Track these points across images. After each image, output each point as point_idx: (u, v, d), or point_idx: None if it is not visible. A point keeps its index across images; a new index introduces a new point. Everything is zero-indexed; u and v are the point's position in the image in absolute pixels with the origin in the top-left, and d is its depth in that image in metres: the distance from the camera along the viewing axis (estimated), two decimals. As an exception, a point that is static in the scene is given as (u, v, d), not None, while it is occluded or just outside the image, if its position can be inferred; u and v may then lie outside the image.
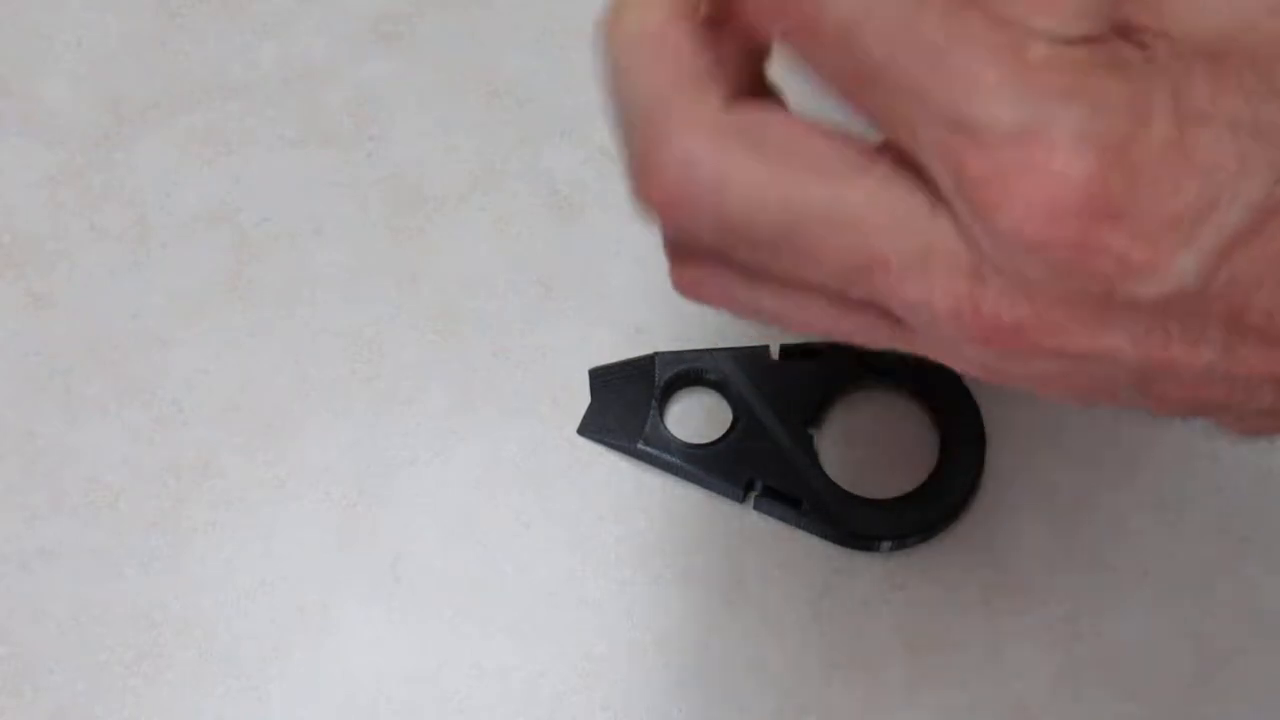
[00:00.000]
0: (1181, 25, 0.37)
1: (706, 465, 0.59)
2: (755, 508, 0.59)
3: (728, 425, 0.60)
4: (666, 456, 0.59)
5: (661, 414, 0.60)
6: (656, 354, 0.60)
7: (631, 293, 0.62)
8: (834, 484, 0.58)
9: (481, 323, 0.61)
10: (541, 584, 0.58)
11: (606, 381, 0.60)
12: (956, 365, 0.40)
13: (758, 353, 0.60)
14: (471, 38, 0.65)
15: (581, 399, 0.60)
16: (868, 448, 0.60)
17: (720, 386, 0.60)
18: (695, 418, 0.60)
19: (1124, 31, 0.38)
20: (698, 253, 0.41)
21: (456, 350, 0.61)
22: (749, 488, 0.59)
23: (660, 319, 0.61)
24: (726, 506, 0.59)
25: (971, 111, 0.36)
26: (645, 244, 0.62)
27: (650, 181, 0.39)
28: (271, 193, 0.63)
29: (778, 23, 0.39)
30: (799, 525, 0.59)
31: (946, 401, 0.59)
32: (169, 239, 0.62)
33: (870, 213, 0.38)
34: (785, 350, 0.60)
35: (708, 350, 0.60)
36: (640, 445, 0.59)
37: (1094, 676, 0.57)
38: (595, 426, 0.60)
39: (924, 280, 0.38)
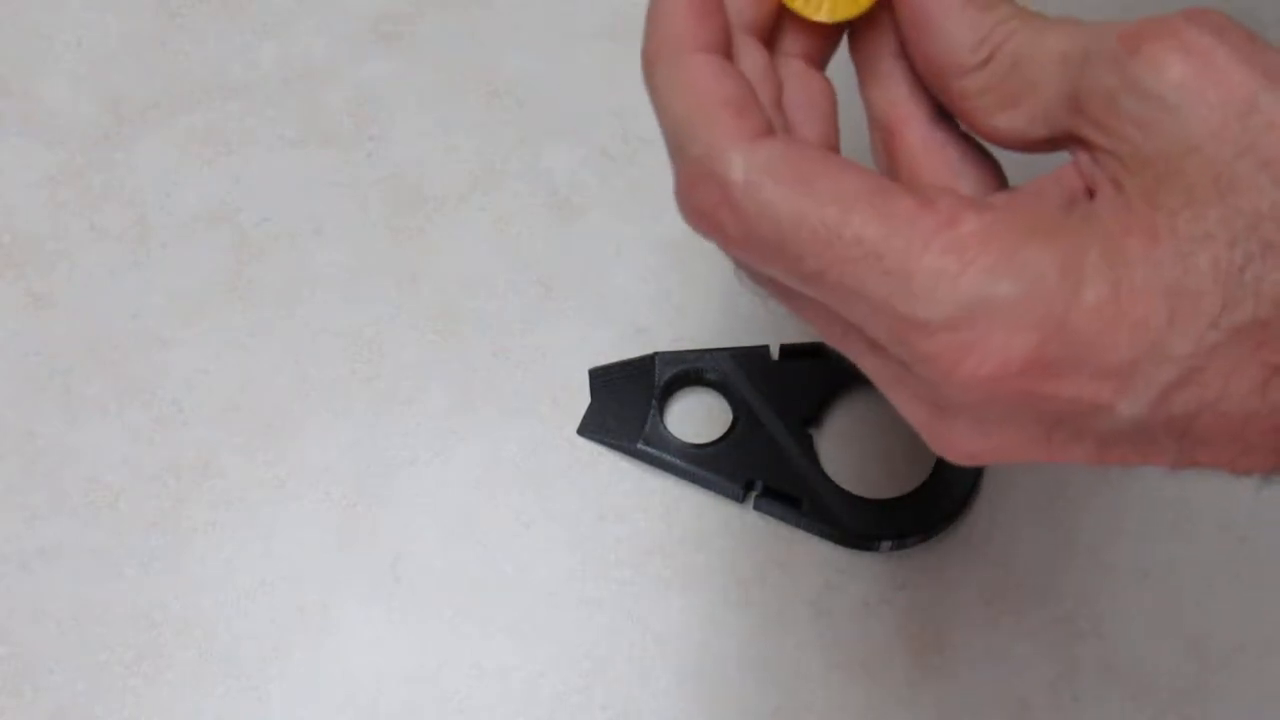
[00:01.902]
0: (1129, 146, 0.39)
1: (706, 465, 0.59)
2: (755, 508, 0.59)
3: (728, 425, 0.60)
4: (666, 456, 0.59)
5: (661, 414, 0.60)
6: (656, 354, 0.60)
7: (631, 293, 0.62)
8: (834, 484, 0.58)
9: (481, 323, 0.61)
10: (541, 584, 0.58)
11: (606, 381, 0.60)
12: None
13: (758, 353, 0.60)
14: (471, 38, 0.65)
15: (581, 399, 0.60)
16: (868, 448, 0.60)
17: (720, 386, 0.60)
18: (695, 418, 0.60)
19: (1083, 145, 0.40)
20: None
21: (456, 350, 0.61)
22: (749, 488, 0.59)
23: (660, 319, 0.61)
24: (726, 506, 0.59)
25: (912, 309, 0.38)
26: (645, 244, 0.63)
27: (684, 202, 0.41)
28: (271, 193, 0.63)
29: (712, 238, 0.40)
30: (799, 525, 0.59)
31: None
32: (169, 239, 0.62)
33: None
34: (785, 350, 0.60)
35: (708, 350, 0.60)
36: (640, 445, 0.59)
37: (1094, 676, 0.57)
38: (595, 426, 0.60)
39: (894, 393, 0.41)
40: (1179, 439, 0.39)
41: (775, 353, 0.60)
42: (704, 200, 0.40)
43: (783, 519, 0.59)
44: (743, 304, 0.62)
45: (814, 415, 0.59)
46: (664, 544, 0.59)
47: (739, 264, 0.42)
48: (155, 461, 0.59)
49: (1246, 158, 0.38)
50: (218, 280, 0.62)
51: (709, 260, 0.62)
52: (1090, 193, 0.40)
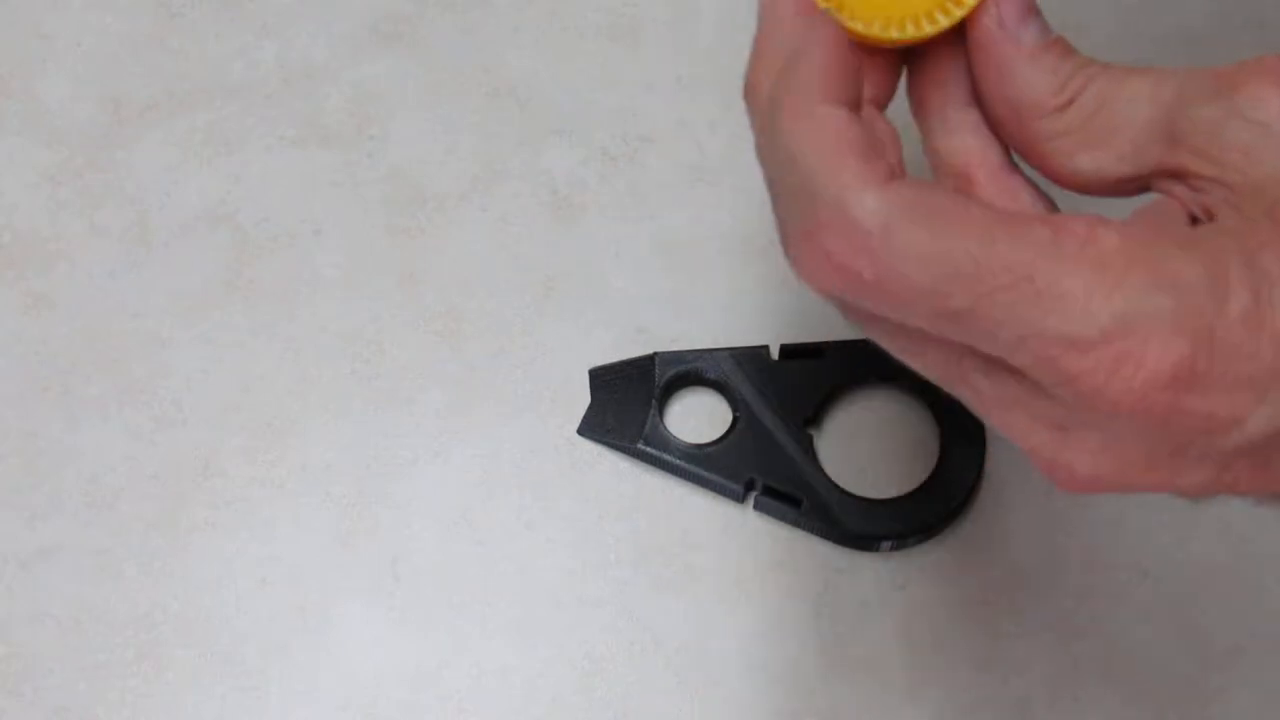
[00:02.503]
0: (1237, 174, 0.40)
1: (706, 465, 0.59)
2: (755, 508, 0.59)
3: (728, 425, 0.60)
4: (666, 456, 0.59)
5: (661, 414, 0.60)
6: (656, 354, 0.60)
7: (631, 293, 0.62)
8: (834, 484, 0.58)
9: (481, 323, 0.61)
10: (541, 584, 0.58)
11: (607, 381, 0.60)
12: None
13: (758, 353, 0.60)
14: (471, 38, 0.65)
15: (581, 399, 0.60)
16: (868, 448, 0.60)
17: (720, 386, 0.60)
18: (695, 418, 0.60)
19: (1179, 177, 0.41)
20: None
21: (456, 350, 0.61)
22: (749, 487, 0.59)
23: (660, 319, 0.61)
24: (726, 506, 0.59)
25: (1069, 327, 0.38)
26: (645, 244, 0.63)
27: (812, 253, 0.40)
28: (271, 193, 0.63)
29: (841, 287, 0.40)
30: (799, 525, 0.59)
31: (946, 401, 0.59)
32: (169, 239, 0.62)
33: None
34: (785, 350, 0.60)
35: (708, 350, 0.60)
36: (640, 445, 0.59)
37: (1094, 676, 0.57)
38: (595, 426, 0.60)
39: (1011, 417, 0.41)
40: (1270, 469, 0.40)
41: (775, 353, 0.60)
42: (838, 248, 0.40)
43: (783, 519, 0.59)
44: (743, 304, 0.62)
45: (814, 415, 0.59)
46: (664, 544, 0.59)
47: (851, 310, 0.42)
48: (155, 461, 0.59)
49: None
50: (218, 280, 0.62)
51: (709, 260, 0.62)
52: (1198, 218, 0.41)
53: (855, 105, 0.42)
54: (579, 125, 0.64)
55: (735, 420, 0.59)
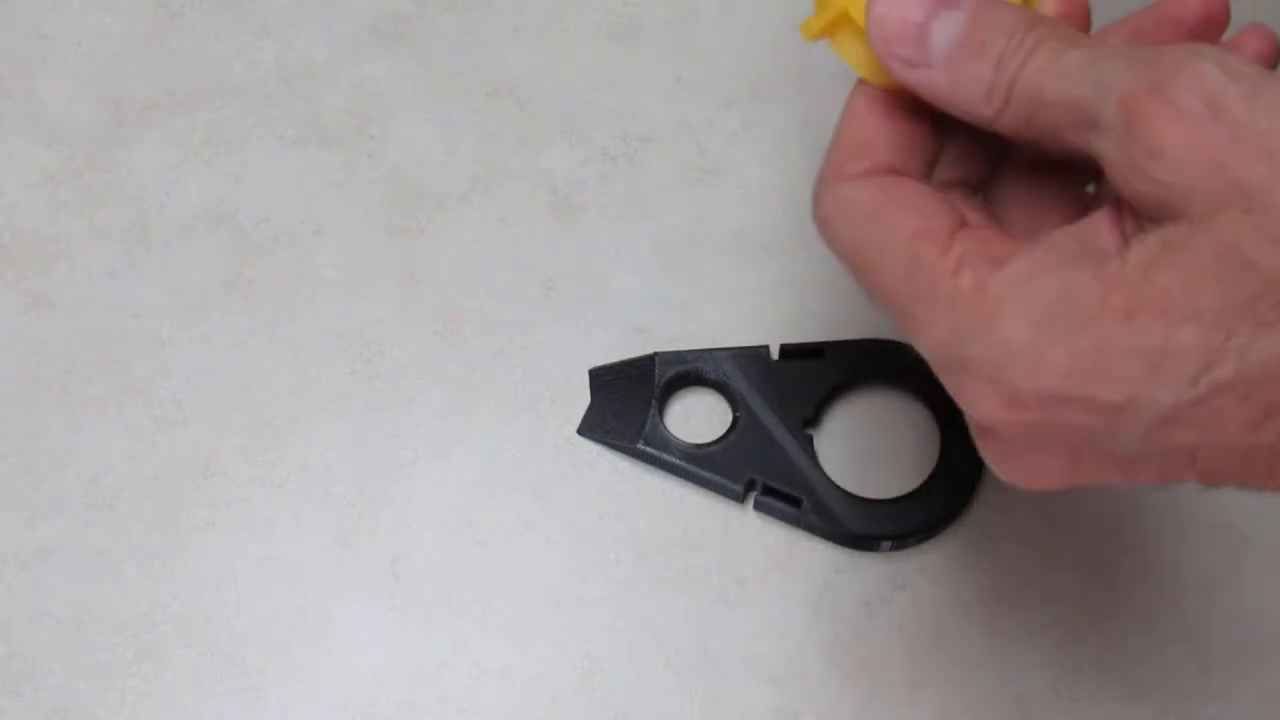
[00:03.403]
0: (1147, 211, 0.41)
1: (706, 465, 0.59)
2: (755, 508, 0.59)
3: (728, 425, 0.60)
4: (666, 456, 0.59)
5: (661, 414, 0.60)
6: (656, 354, 0.60)
7: (631, 293, 0.62)
8: (834, 484, 0.58)
9: (481, 323, 0.61)
10: (541, 584, 0.58)
11: (607, 381, 0.60)
12: None
13: (758, 353, 0.60)
14: (471, 38, 0.65)
15: (581, 399, 0.60)
16: (868, 448, 0.60)
17: (720, 386, 0.60)
18: (695, 418, 0.60)
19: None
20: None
21: (456, 350, 0.61)
22: (749, 487, 0.59)
23: (660, 319, 0.61)
24: (726, 506, 0.59)
25: (924, 349, 0.44)
26: (645, 244, 0.63)
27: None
28: (271, 193, 0.63)
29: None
30: (799, 525, 0.59)
31: (946, 401, 0.59)
32: (169, 239, 0.62)
33: None
34: (785, 350, 0.60)
35: (708, 350, 0.60)
36: (640, 445, 0.59)
37: (1094, 676, 0.57)
38: (595, 426, 0.60)
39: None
40: (1189, 465, 0.41)
41: (775, 353, 0.60)
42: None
43: (783, 519, 0.59)
44: (743, 304, 0.62)
45: (814, 415, 0.59)
46: (664, 544, 0.59)
47: None
48: (155, 461, 0.59)
49: (1253, 236, 0.39)
50: (218, 280, 0.62)
51: (709, 260, 0.62)
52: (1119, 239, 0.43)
53: (891, 170, 0.45)
54: (579, 125, 0.64)
55: (735, 420, 0.60)
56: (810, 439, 0.59)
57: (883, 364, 0.60)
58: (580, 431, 0.60)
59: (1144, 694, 0.57)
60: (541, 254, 0.62)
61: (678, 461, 0.59)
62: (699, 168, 0.64)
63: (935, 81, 0.43)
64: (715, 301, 0.62)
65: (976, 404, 0.42)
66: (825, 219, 0.45)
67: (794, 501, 0.58)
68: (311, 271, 0.62)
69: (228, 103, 0.64)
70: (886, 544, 0.58)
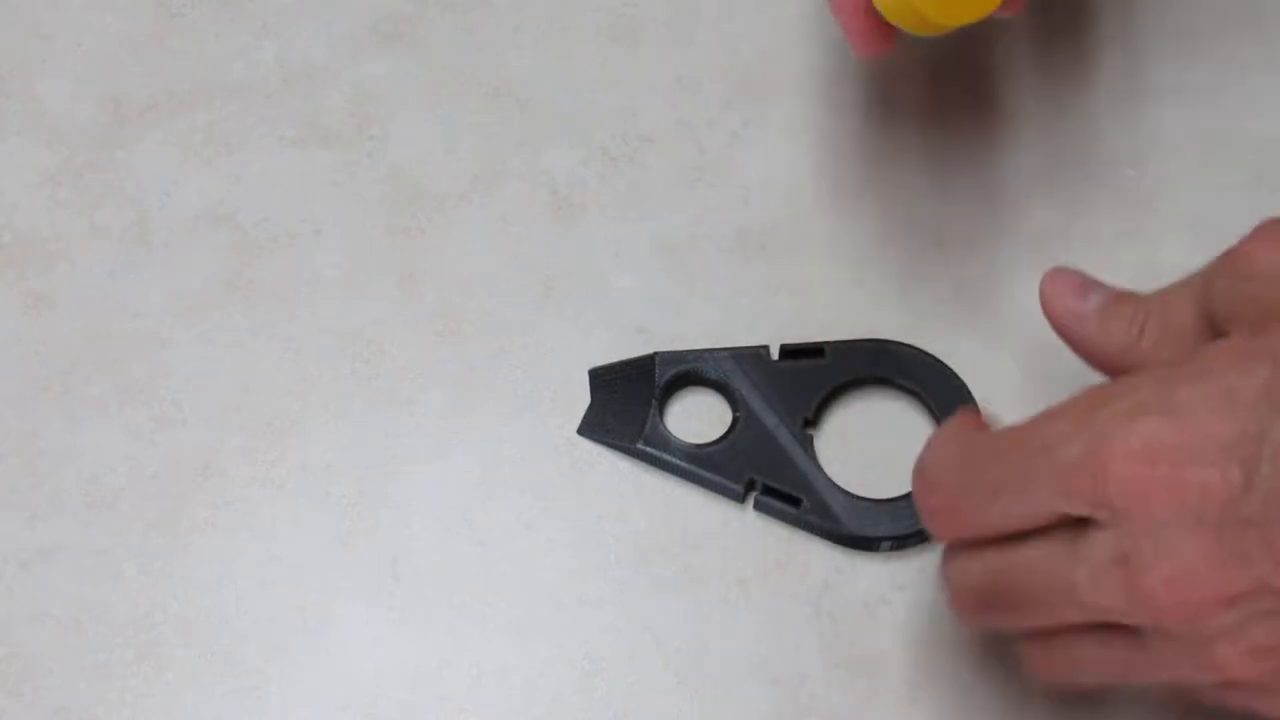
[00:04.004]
0: (1246, 327, 0.48)
1: (706, 465, 0.59)
2: (755, 507, 0.59)
3: (728, 425, 0.60)
4: (666, 456, 0.59)
5: (661, 414, 0.60)
6: (656, 354, 0.60)
7: (631, 293, 0.62)
8: (834, 484, 0.58)
9: (481, 323, 0.61)
10: (541, 584, 0.58)
11: (607, 381, 0.60)
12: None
13: (758, 353, 0.60)
14: (471, 38, 0.65)
15: (581, 399, 0.60)
16: (868, 448, 0.60)
17: (720, 386, 0.60)
18: (695, 418, 0.60)
19: None
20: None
21: (456, 350, 0.61)
22: (749, 487, 0.59)
23: (660, 319, 0.61)
24: (726, 506, 0.59)
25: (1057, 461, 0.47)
26: (645, 244, 0.63)
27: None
28: (271, 193, 0.63)
29: None
30: (799, 525, 0.58)
31: (946, 401, 0.59)
32: (169, 239, 0.62)
33: None
34: (785, 350, 0.60)
35: (708, 350, 0.60)
36: (640, 445, 0.59)
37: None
38: (595, 426, 0.60)
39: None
40: None
41: (775, 353, 0.60)
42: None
43: (783, 519, 0.59)
44: (743, 304, 0.62)
45: (814, 415, 0.59)
46: (664, 544, 0.59)
47: None
48: (155, 461, 0.59)
49: None
50: (218, 280, 0.62)
51: (709, 260, 0.62)
52: None
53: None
54: (579, 125, 0.64)
55: (735, 420, 0.59)
56: (810, 439, 0.59)
57: (883, 364, 0.60)
58: (580, 431, 0.60)
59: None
60: (541, 254, 0.62)
61: (678, 461, 0.59)
62: (699, 168, 0.64)
63: (1090, 330, 0.52)
64: (715, 301, 0.62)
65: (1108, 459, 0.46)
66: None
67: (794, 501, 0.58)
68: (311, 271, 0.62)
69: (228, 103, 0.64)
70: (886, 544, 0.58)
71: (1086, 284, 0.52)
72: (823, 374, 0.60)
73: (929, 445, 0.51)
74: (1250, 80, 0.65)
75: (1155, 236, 0.62)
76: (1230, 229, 0.52)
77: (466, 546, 0.58)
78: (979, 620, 0.51)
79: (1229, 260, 0.49)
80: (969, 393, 0.59)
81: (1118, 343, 0.51)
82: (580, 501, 0.59)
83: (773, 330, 0.61)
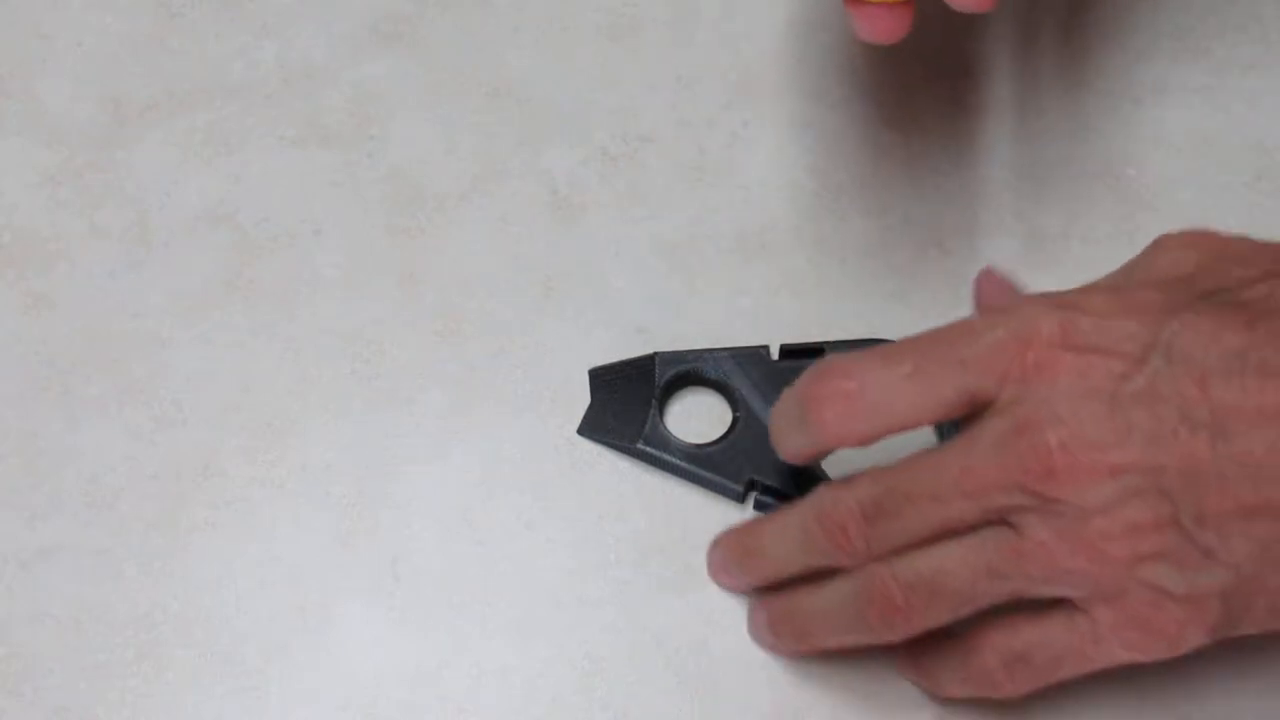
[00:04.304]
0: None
1: (706, 465, 0.59)
2: (755, 507, 0.59)
3: (728, 425, 0.60)
4: (666, 456, 0.59)
5: (661, 414, 0.60)
6: (656, 354, 0.60)
7: (631, 293, 0.62)
8: (827, 476, 0.58)
9: (481, 323, 0.61)
10: (541, 584, 0.58)
11: (607, 381, 0.60)
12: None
13: (758, 353, 0.60)
14: (471, 38, 0.65)
15: (581, 399, 0.60)
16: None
17: (720, 386, 0.60)
18: (695, 418, 0.60)
19: None
20: None
21: (456, 350, 0.61)
22: (749, 487, 0.59)
23: (660, 319, 0.61)
24: (726, 506, 0.59)
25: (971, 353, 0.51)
26: (645, 244, 0.63)
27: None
28: (271, 193, 0.63)
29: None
30: None
31: None
32: (169, 239, 0.62)
33: None
34: (785, 350, 0.60)
35: (708, 350, 0.60)
36: (640, 445, 0.59)
37: (1094, 676, 0.57)
38: (595, 426, 0.60)
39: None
40: None
41: (775, 353, 0.60)
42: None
43: None
44: (743, 304, 0.62)
45: None
46: (664, 544, 0.59)
47: None
48: (155, 461, 0.59)
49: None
50: (218, 280, 0.62)
51: (709, 260, 0.62)
52: None
53: None
54: (579, 125, 0.64)
55: (735, 420, 0.59)
56: None
57: None
58: (581, 432, 0.60)
59: (1144, 693, 0.57)
60: (541, 254, 0.62)
61: (678, 461, 0.59)
62: (699, 168, 0.64)
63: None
64: (715, 301, 0.62)
65: (1027, 344, 0.51)
66: None
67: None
68: (311, 271, 0.62)
69: (228, 103, 0.64)
70: None
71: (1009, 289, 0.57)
72: None
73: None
74: (1250, 80, 0.65)
75: (1155, 236, 0.62)
76: (1230, 229, 0.52)
77: (466, 546, 0.58)
78: (846, 542, 0.52)
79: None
80: None
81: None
82: (580, 501, 0.59)
83: (773, 330, 0.61)
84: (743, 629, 0.58)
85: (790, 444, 0.53)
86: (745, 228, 0.63)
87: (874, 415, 0.51)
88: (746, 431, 0.59)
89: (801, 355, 0.60)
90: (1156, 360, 0.48)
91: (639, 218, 0.63)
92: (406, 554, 0.58)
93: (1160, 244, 0.52)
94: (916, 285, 0.62)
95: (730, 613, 0.58)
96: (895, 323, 0.61)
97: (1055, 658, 0.51)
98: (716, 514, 0.59)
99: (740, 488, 0.59)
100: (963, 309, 0.61)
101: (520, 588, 0.58)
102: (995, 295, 0.57)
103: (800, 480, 0.58)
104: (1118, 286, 0.50)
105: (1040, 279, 0.60)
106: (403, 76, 0.64)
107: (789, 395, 0.52)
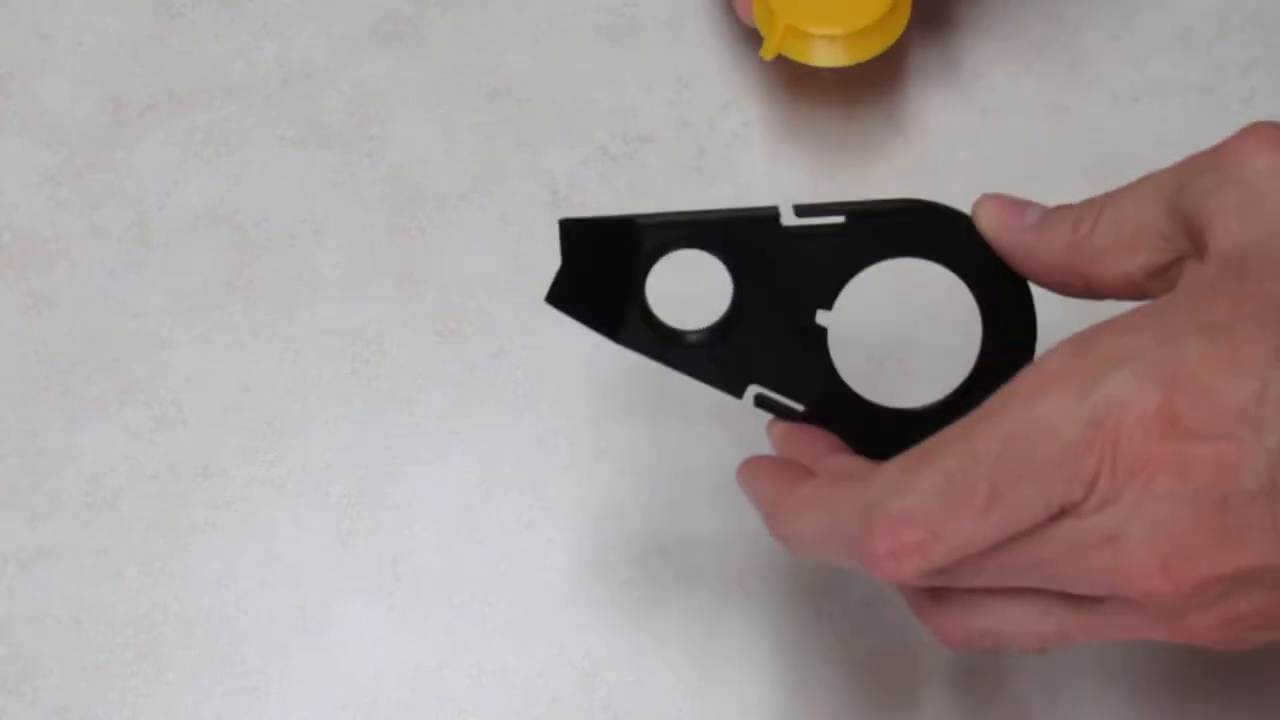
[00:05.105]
0: (1226, 240, 0.44)
1: (697, 360, 0.51)
2: (757, 404, 0.51)
3: (725, 309, 0.51)
4: (648, 342, 0.51)
5: (642, 289, 0.51)
6: (638, 217, 0.50)
7: (631, 293, 0.62)
8: (847, 388, 0.51)
9: (481, 323, 0.61)
10: (541, 584, 0.58)
11: (581, 240, 0.50)
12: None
13: (766, 217, 0.50)
14: (471, 38, 0.65)
15: (582, 399, 0.60)
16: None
17: (719, 255, 0.51)
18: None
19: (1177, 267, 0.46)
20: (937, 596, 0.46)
21: (456, 350, 0.61)
22: (746, 384, 0.51)
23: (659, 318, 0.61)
24: (726, 506, 0.59)
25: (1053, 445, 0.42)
26: (645, 244, 0.62)
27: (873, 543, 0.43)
28: (271, 193, 0.63)
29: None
30: None
31: (987, 278, 0.51)
32: (169, 239, 0.62)
33: None
34: (801, 210, 0.50)
35: (705, 212, 0.51)
36: (620, 329, 0.51)
37: (1094, 676, 0.57)
38: (567, 295, 0.50)
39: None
40: None
41: (787, 216, 0.50)
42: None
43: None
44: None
45: (828, 297, 0.50)
46: (664, 544, 0.59)
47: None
48: (155, 461, 0.59)
49: None
50: (218, 280, 0.62)
51: (709, 259, 0.62)
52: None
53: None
54: (579, 125, 0.64)
55: (735, 303, 0.51)
56: (824, 333, 0.50)
57: (924, 236, 0.50)
58: (549, 299, 0.51)
59: (1144, 694, 0.57)
60: (541, 254, 0.62)
61: (663, 351, 0.50)
62: (699, 168, 0.64)
63: (1028, 238, 0.49)
64: (715, 301, 0.61)
65: (1127, 437, 0.42)
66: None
67: (794, 415, 0.51)
68: (311, 271, 0.62)
69: (228, 103, 0.64)
70: None
71: (1023, 203, 0.49)
72: (847, 250, 0.50)
73: (884, 473, 0.44)
74: (1250, 80, 0.65)
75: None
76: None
77: (466, 546, 0.58)
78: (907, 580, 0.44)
79: (1217, 157, 0.45)
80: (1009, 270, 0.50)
81: (1062, 244, 0.47)
82: (580, 501, 0.59)
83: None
84: (743, 629, 0.57)
85: (825, 560, 0.46)
86: (745, 228, 0.63)
87: (949, 556, 0.43)
88: (746, 318, 0.50)
89: (821, 214, 0.50)
90: (1271, 438, 0.40)
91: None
92: (406, 554, 0.58)
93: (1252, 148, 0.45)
94: (916, 285, 0.62)
95: (730, 613, 0.58)
96: (895, 322, 0.61)
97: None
98: (717, 514, 0.59)
99: (737, 384, 0.51)
100: (964, 308, 0.61)
101: (520, 588, 0.58)
102: (1001, 216, 0.49)
103: (822, 400, 0.50)
104: (1220, 323, 0.42)
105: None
106: (403, 76, 0.64)
107: (831, 527, 0.45)
